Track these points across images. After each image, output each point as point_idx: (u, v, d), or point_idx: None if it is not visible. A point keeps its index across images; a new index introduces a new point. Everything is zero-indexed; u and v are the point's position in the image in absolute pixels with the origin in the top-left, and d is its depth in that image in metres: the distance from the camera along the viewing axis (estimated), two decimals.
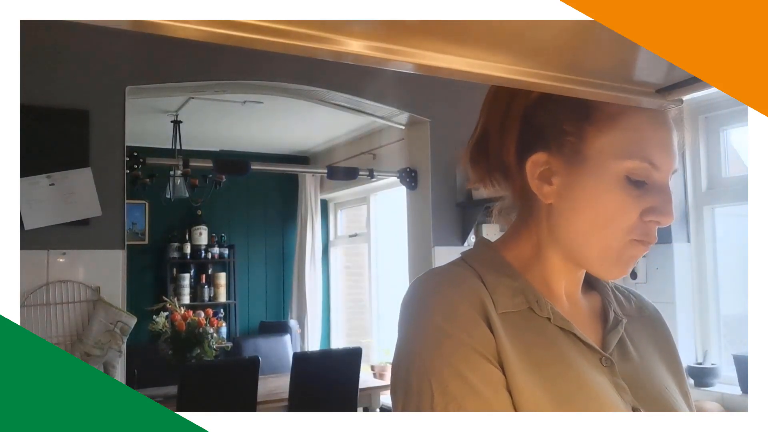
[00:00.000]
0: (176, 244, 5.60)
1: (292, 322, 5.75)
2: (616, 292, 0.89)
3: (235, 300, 5.80)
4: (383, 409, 3.86)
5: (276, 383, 3.92)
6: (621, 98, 0.71)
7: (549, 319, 0.76)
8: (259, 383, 3.40)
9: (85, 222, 2.21)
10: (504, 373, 0.70)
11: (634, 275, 3.08)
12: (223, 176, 4.62)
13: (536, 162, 0.77)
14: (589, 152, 0.75)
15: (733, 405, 2.68)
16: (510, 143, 0.79)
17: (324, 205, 6.14)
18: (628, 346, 0.82)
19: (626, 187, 0.74)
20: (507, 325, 0.73)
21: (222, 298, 5.71)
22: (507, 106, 0.79)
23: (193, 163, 3.25)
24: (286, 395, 3.55)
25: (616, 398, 0.73)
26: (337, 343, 5.93)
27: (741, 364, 2.65)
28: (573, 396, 0.71)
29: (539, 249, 0.81)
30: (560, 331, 0.76)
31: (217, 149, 5.73)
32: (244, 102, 4.32)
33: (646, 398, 0.76)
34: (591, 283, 0.88)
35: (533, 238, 0.81)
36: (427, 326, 0.72)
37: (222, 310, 5.56)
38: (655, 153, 0.74)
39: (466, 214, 2.84)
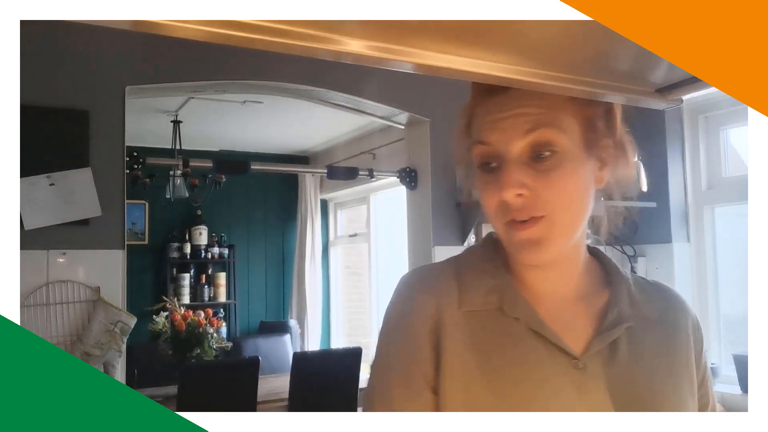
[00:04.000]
0: (176, 244, 5.60)
1: (292, 322, 5.75)
2: (635, 290, 0.85)
3: (235, 300, 5.80)
4: None
5: (276, 383, 3.92)
6: (621, 98, 0.71)
7: (519, 319, 0.76)
8: (259, 383, 3.40)
9: (85, 222, 2.21)
10: (444, 378, 0.74)
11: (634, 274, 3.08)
12: (223, 176, 4.62)
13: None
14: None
15: (733, 405, 2.68)
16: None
17: (324, 204, 6.14)
18: (620, 350, 0.78)
19: (481, 174, 0.78)
20: (470, 324, 0.76)
21: (222, 298, 5.71)
22: None
23: (193, 163, 3.25)
24: (286, 395, 3.55)
25: (578, 402, 0.73)
26: (337, 343, 5.93)
27: (741, 364, 2.65)
28: (527, 399, 0.72)
29: None
30: (531, 332, 0.76)
31: (217, 149, 5.73)
32: (244, 102, 4.32)
33: (627, 404, 0.75)
34: (608, 281, 0.85)
35: None
36: (385, 330, 0.80)
37: (222, 310, 5.56)
38: (482, 132, 0.77)
39: (466, 214, 2.84)
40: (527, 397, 0.72)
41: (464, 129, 0.82)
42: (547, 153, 0.75)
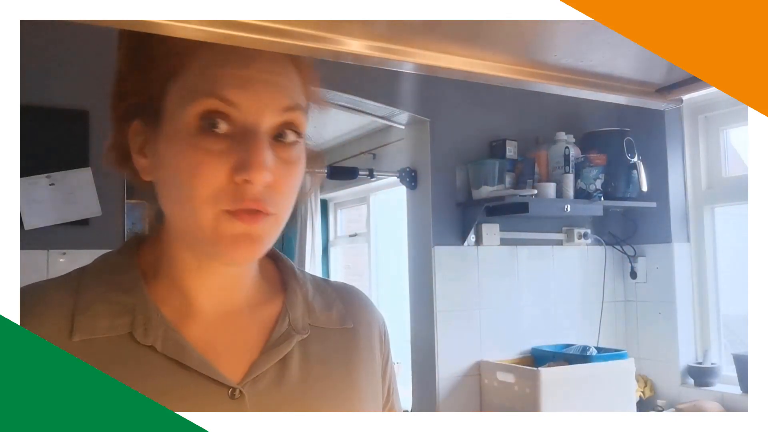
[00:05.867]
0: None
1: None
2: (314, 295, 0.74)
3: None
4: None
5: None
6: (621, 98, 0.71)
7: (153, 347, 0.61)
8: None
9: (85, 222, 2.21)
10: None
11: (634, 275, 3.08)
12: None
13: (133, 132, 0.64)
14: (163, 106, 0.61)
15: (733, 405, 2.68)
16: (115, 110, 0.65)
17: (324, 205, 6.14)
18: (292, 366, 0.67)
19: (201, 139, 0.59)
20: (86, 358, 0.59)
21: None
22: (119, 63, 0.65)
23: None
24: None
25: None
26: None
27: (741, 364, 2.65)
28: None
29: (169, 244, 0.66)
30: (172, 363, 0.61)
31: None
32: None
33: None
34: (283, 285, 0.73)
35: (164, 229, 0.66)
36: None
37: None
38: (225, 87, 0.59)
39: (466, 214, 2.84)
40: None
41: (156, 62, 0.61)
42: (293, 139, 0.62)
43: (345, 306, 0.76)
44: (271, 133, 0.61)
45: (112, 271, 0.66)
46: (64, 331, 0.61)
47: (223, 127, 0.59)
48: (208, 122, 0.59)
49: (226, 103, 0.59)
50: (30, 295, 0.63)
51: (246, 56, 0.60)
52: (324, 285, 0.78)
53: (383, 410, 0.75)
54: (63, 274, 0.67)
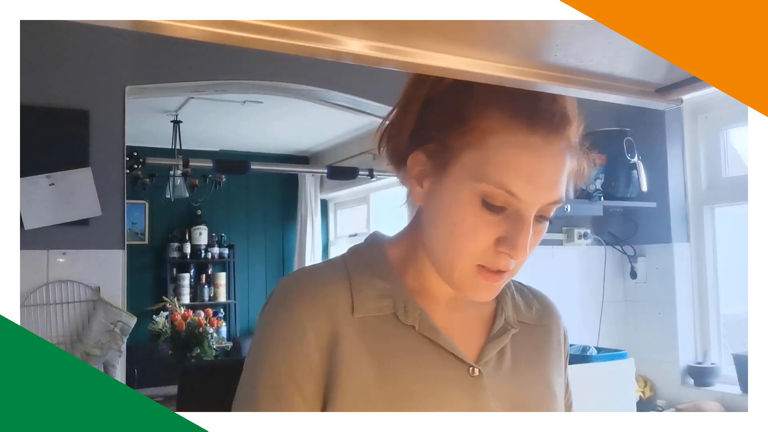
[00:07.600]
0: (176, 244, 5.60)
1: None
2: (517, 296, 0.86)
3: (235, 300, 5.80)
4: None
5: None
6: (621, 98, 0.71)
7: (414, 327, 0.73)
8: None
9: (85, 222, 2.21)
10: (338, 390, 0.69)
11: (634, 275, 3.08)
12: (223, 176, 4.62)
13: (415, 160, 0.74)
14: (453, 165, 0.71)
15: (733, 405, 2.68)
16: (404, 133, 0.76)
17: (324, 204, 6.14)
18: (506, 355, 0.78)
19: (480, 210, 0.69)
20: (365, 331, 0.72)
21: (222, 298, 5.71)
22: (413, 92, 0.76)
23: (193, 163, 3.25)
24: None
25: (473, 410, 0.72)
26: None
27: (741, 364, 2.65)
28: (423, 409, 0.70)
29: (417, 248, 0.78)
30: (426, 340, 0.73)
31: (217, 149, 5.73)
32: (244, 102, 4.32)
33: (512, 409, 0.75)
34: None
35: (416, 236, 0.79)
36: (259, 339, 0.74)
37: (222, 310, 5.56)
38: (513, 181, 0.68)
39: None
40: (423, 408, 0.70)
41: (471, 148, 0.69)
42: (545, 222, 0.72)
43: (539, 306, 0.88)
44: (534, 217, 0.70)
45: (368, 263, 0.78)
46: (349, 308, 0.72)
47: (499, 207, 0.69)
48: (489, 201, 0.69)
49: (509, 194, 0.68)
50: (311, 281, 0.75)
51: (537, 148, 0.68)
52: (521, 287, 0.89)
53: (566, 398, 0.86)
54: (325, 261, 0.81)
